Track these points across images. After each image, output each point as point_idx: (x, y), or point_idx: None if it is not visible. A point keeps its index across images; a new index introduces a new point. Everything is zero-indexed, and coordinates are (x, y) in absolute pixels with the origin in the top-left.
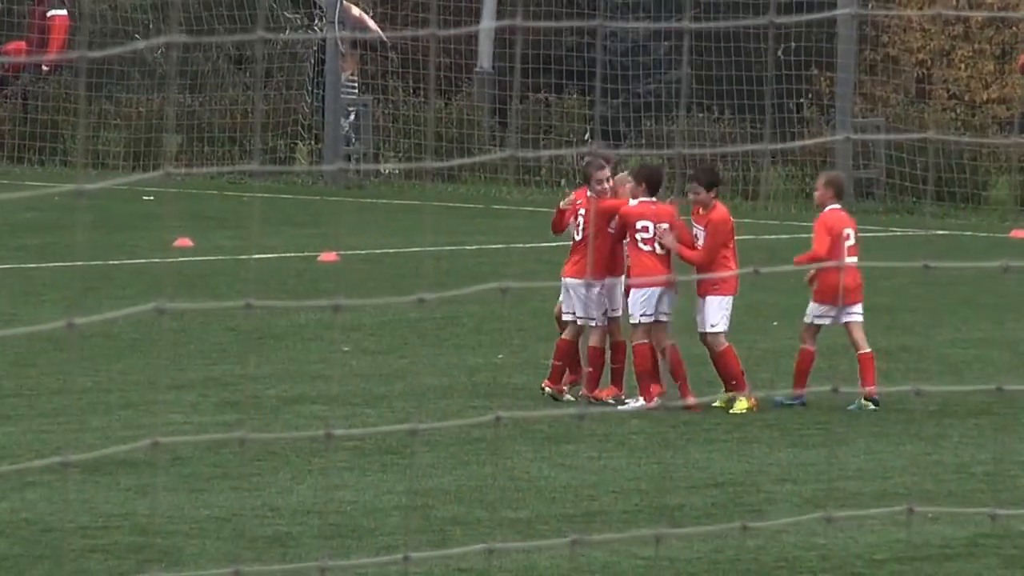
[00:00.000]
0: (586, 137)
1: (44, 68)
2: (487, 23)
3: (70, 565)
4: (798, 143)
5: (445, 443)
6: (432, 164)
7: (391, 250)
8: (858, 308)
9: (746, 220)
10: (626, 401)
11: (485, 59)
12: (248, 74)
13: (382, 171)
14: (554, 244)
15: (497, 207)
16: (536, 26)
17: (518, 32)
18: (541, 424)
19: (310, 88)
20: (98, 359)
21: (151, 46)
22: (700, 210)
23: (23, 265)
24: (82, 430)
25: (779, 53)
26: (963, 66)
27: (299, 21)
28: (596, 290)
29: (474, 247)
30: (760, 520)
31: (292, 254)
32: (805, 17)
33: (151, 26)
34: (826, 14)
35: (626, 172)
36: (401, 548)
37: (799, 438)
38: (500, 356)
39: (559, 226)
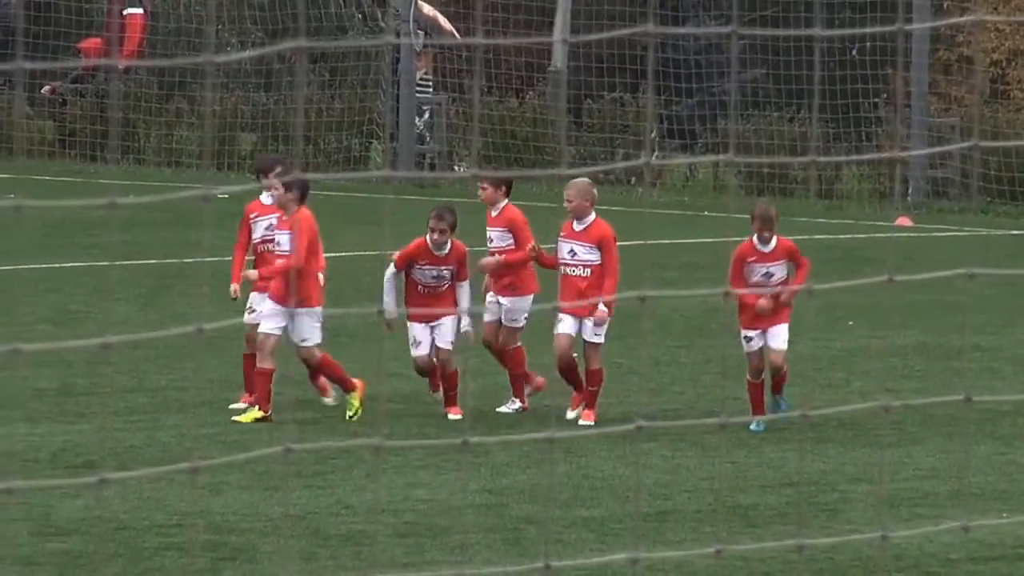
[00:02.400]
0: (653, 135)
1: (120, 66)
2: (561, 22)
3: (144, 563)
4: (929, 150)
5: (520, 441)
6: (567, 171)
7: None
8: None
9: (820, 220)
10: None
11: (559, 58)
12: (323, 73)
13: (456, 169)
14: (626, 244)
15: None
16: (669, 31)
17: (652, 37)
18: (615, 422)
19: (385, 87)
20: (171, 357)
21: (276, 51)
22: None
23: (97, 263)
24: (156, 428)
25: (854, 53)
26: None
27: (370, 20)
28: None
29: (549, 246)
30: (834, 520)
31: (365, 252)
32: (940, 23)
33: (225, 25)
34: (953, 20)
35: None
36: (476, 547)
37: (874, 438)
38: (575, 354)
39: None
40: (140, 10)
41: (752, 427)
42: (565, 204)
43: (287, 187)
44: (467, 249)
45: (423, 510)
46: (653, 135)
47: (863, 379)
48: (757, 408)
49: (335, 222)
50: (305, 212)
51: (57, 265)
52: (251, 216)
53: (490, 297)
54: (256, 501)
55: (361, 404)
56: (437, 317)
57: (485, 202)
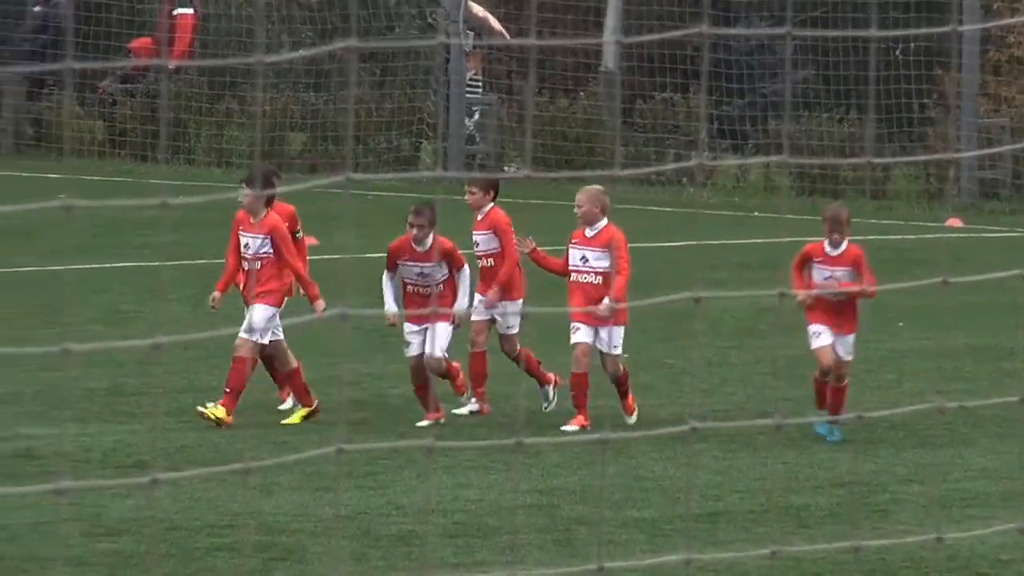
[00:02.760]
0: (701, 136)
1: (170, 66)
2: (612, 22)
3: (195, 563)
4: (984, 151)
5: (570, 443)
6: (620, 172)
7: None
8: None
9: (871, 220)
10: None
11: (610, 59)
12: (374, 72)
13: (506, 169)
14: (677, 245)
15: (620, 207)
16: (724, 33)
17: (706, 38)
18: (666, 423)
19: (436, 87)
20: (222, 357)
21: (328, 51)
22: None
23: (148, 263)
24: (207, 428)
25: (898, 53)
26: None
27: (419, 19)
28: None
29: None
30: (885, 520)
31: None
32: (991, 24)
33: (275, 25)
34: (1005, 21)
35: (599, 188)
36: (526, 548)
37: (925, 439)
38: (626, 355)
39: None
40: (190, 10)
41: (819, 430)
42: (575, 209)
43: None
44: (452, 244)
45: (473, 510)
46: (703, 135)
47: (913, 380)
48: (821, 402)
49: (385, 222)
50: (275, 217)
51: (107, 265)
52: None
53: (478, 298)
54: (307, 502)
55: (218, 422)
56: (430, 320)
57: (472, 206)
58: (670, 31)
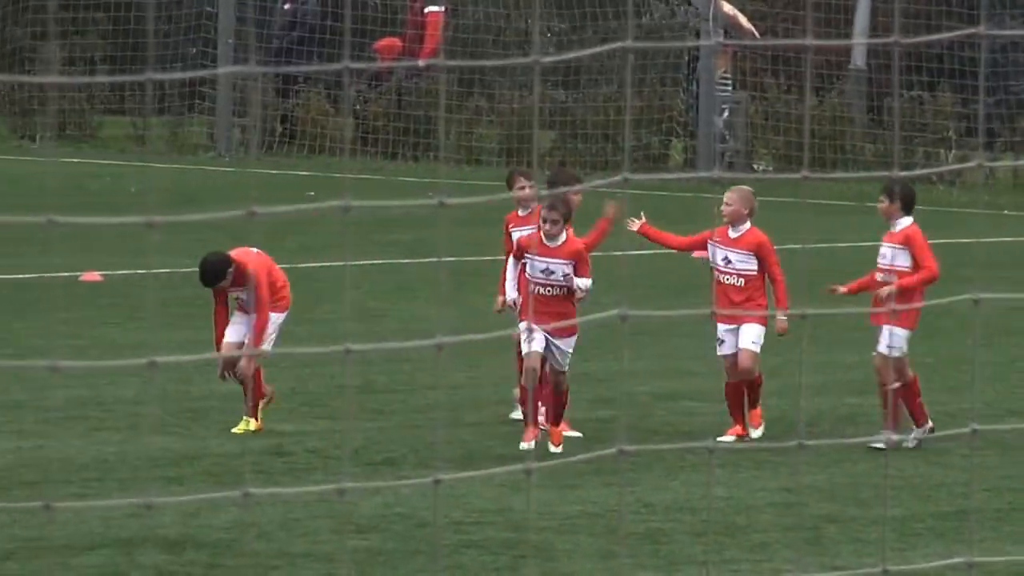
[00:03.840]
0: (950, 134)
1: (420, 64)
2: (861, 21)
3: (444, 560)
4: None
5: (855, 444)
6: (900, 174)
7: None
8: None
9: None
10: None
11: (859, 57)
12: (623, 70)
13: (756, 167)
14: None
15: (870, 204)
16: (1000, 35)
17: (982, 39)
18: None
19: (685, 85)
20: (472, 355)
21: (605, 52)
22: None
23: (394, 260)
24: (456, 425)
25: None
26: None
27: (669, 16)
28: None
29: (845, 244)
30: None
31: (664, 251)
32: None
33: (513, 23)
34: None
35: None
36: (775, 546)
37: None
38: (874, 353)
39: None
40: (440, 8)
41: None
42: (723, 207)
43: None
44: (583, 247)
45: (721, 508)
46: (950, 133)
47: None
48: None
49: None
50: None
51: (355, 263)
52: (510, 227)
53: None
54: (554, 499)
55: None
56: (553, 332)
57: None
58: (921, 30)
